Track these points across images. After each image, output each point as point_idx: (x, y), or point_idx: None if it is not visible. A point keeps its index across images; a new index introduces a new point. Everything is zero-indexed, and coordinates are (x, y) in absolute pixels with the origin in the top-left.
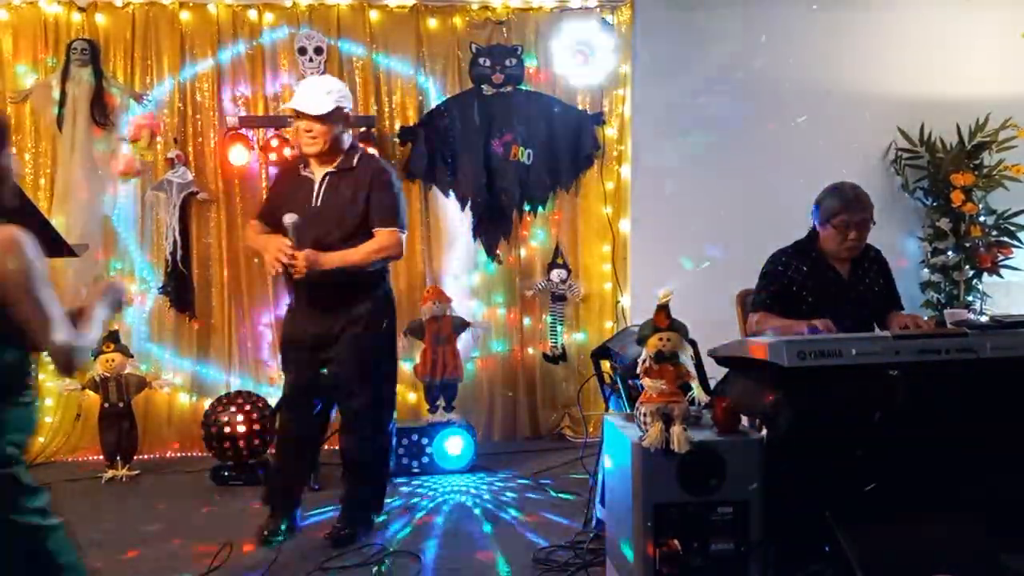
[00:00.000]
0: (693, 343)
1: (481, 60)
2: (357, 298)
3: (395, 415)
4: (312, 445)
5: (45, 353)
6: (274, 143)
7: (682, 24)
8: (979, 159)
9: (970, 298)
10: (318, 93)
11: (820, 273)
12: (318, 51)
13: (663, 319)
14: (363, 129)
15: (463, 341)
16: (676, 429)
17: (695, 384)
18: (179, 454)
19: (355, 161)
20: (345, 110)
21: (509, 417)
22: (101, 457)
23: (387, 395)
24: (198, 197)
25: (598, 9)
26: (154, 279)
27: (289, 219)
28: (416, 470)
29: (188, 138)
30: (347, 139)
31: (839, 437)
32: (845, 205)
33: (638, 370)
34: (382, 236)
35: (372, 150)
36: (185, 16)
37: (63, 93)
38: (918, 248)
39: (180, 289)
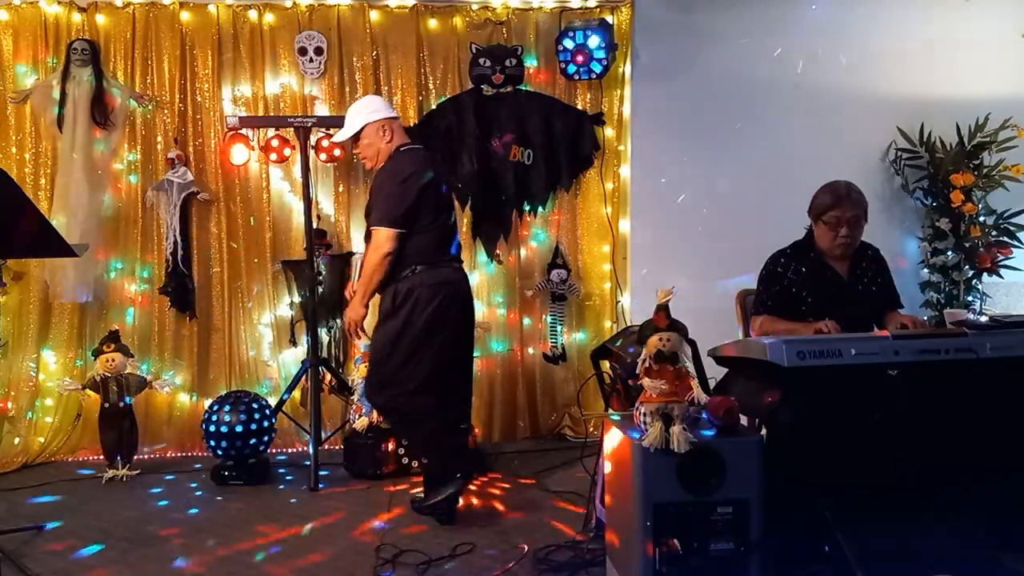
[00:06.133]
0: (693, 343)
1: (481, 60)
2: (385, 291)
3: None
4: None
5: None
6: (274, 143)
7: (682, 24)
8: (979, 159)
9: (970, 298)
10: (346, 121)
11: (818, 273)
12: (318, 51)
13: (663, 319)
14: None
15: None
16: (676, 429)
17: (694, 384)
18: (179, 454)
19: (378, 166)
20: (371, 124)
21: (509, 417)
22: (101, 457)
23: (390, 381)
24: (199, 197)
25: (598, 9)
26: (154, 279)
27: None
28: (417, 469)
29: (188, 138)
30: (388, 147)
31: (839, 437)
32: (837, 201)
33: (638, 370)
34: (372, 238)
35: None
36: (185, 16)
37: (63, 93)
38: (918, 248)
39: (180, 289)
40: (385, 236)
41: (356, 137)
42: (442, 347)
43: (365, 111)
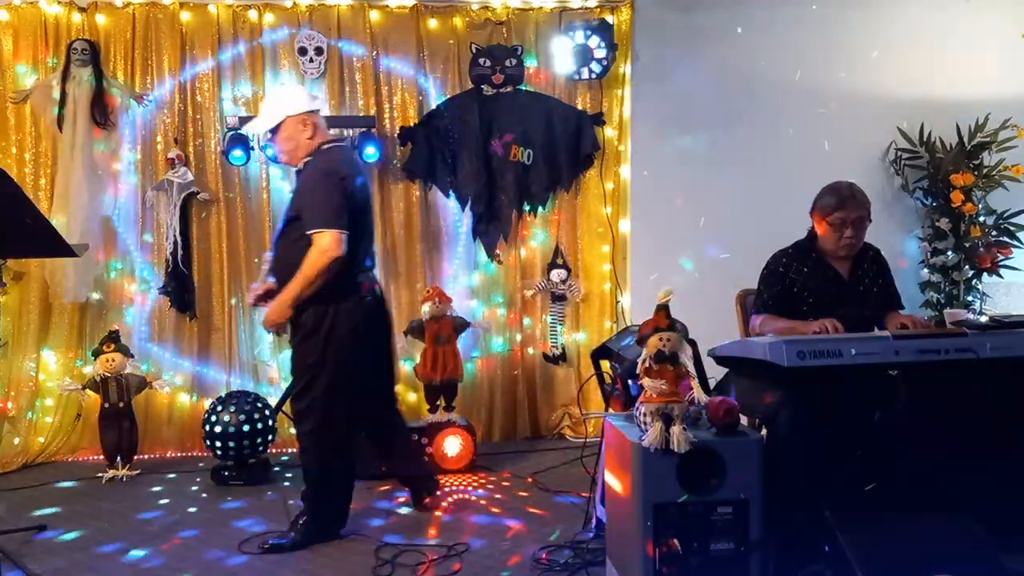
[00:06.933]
0: (693, 343)
1: (481, 60)
2: (304, 307)
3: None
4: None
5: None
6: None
7: (682, 24)
8: (979, 159)
9: (970, 298)
10: (263, 110)
11: (820, 273)
12: (318, 51)
13: (663, 319)
14: (364, 129)
15: (463, 340)
16: (676, 429)
17: (695, 384)
18: (179, 454)
19: (303, 164)
20: (292, 116)
21: (509, 417)
22: (101, 457)
23: (319, 405)
24: (198, 197)
25: (598, 9)
26: (154, 279)
27: (266, 256)
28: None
29: (188, 138)
30: (309, 143)
31: (839, 437)
32: (841, 202)
33: (638, 370)
34: (314, 242)
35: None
36: (185, 16)
37: (63, 93)
38: (918, 248)
39: (180, 289)
40: (333, 239)
41: (274, 129)
42: (367, 366)
43: (286, 102)
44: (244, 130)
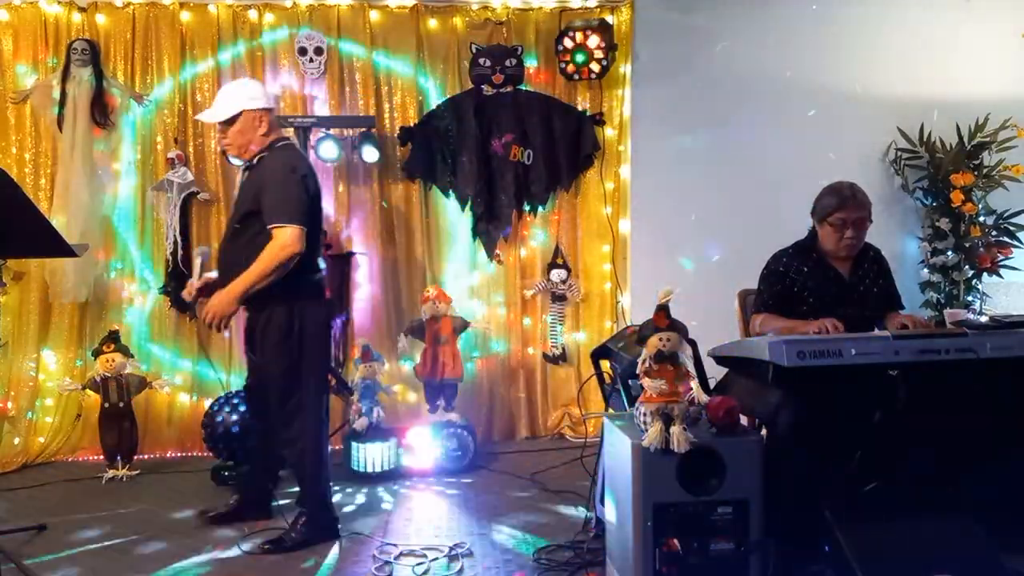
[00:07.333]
0: (693, 343)
1: (481, 60)
2: (266, 304)
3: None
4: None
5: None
6: None
7: (682, 24)
8: (979, 159)
9: (970, 298)
10: (219, 101)
11: (820, 273)
12: (318, 51)
13: (663, 319)
14: (364, 129)
15: (464, 340)
16: (676, 429)
17: (694, 384)
18: (179, 454)
19: (256, 159)
20: (249, 111)
21: (509, 417)
22: (101, 457)
23: (306, 405)
24: (199, 197)
25: (598, 9)
26: (154, 279)
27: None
28: (416, 470)
29: (188, 138)
30: (263, 139)
31: (839, 437)
32: (842, 203)
33: (638, 370)
34: (274, 236)
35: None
36: (185, 16)
37: (63, 93)
38: (918, 248)
39: (180, 289)
40: (293, 235)
41: (229, 122)
42: (327, 363)
43: (243, 96)
44: (202, 117)
